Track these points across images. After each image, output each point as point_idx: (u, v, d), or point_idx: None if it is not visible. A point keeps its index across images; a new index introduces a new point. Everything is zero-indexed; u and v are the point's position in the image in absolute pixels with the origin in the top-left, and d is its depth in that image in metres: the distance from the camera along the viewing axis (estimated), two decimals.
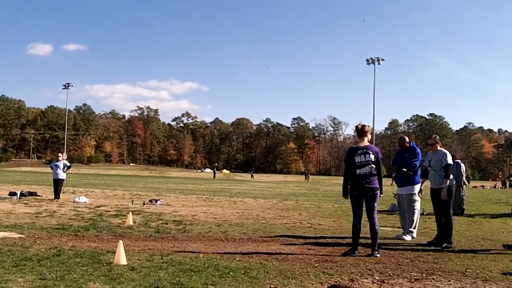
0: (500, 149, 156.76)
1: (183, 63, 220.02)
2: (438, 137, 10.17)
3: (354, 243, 8.03)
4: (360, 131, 8.36)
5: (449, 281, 6.13)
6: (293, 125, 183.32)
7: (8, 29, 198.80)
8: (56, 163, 19.28)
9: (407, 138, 10.68)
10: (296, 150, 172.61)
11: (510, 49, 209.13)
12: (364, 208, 8.13)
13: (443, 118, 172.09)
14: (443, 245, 9.03)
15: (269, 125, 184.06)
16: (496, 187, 60.20)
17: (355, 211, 8.11)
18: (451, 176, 9.58)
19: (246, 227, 11.54)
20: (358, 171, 8.02)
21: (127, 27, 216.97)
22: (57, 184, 18.83)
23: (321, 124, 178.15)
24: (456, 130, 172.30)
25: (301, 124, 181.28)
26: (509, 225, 12.84)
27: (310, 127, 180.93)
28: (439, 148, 9.75)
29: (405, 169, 10.15)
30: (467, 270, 6.79)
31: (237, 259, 7.20)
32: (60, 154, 20.49)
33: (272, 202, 20.61)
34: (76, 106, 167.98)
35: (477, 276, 6.41)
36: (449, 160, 9.46)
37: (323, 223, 12.83)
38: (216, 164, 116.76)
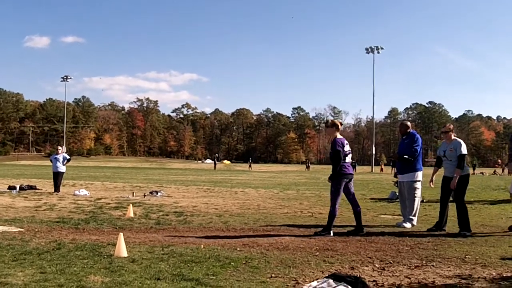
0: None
1: (182, 54, 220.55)
2: (452, 125, 10.10)
3: (327, 224, 8.88)
4: (338, 125, 9.25)
5: (449, 267, 6.14)
6: (293, 115, 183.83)
7: (4, 22, 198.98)
8: (56, 156, 19.27)
9: (408, 123, 10.69)
10: (296, 139, 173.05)
11: (509, 36, 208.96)
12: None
13: (442, 106, 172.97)
14: (461, 234, 8.87)
15: (269, 115, 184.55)
16: (496, 173, 60.18)
17: (338, 197, 8.95)
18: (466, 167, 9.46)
19: (247, 217, 11.56)
20: (347, 159, 8.99)
21: (125, 19, 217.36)
22: (57, 177, 18.83)
23: (321, 114, 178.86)
24: (455, 118, 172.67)
25: (301, 113, 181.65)
26: (508, 211, 12.86)
27: (310, 117, 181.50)
28: (453, 137, 9.60)
29: (406, 156, 10.14)
30: (466, 256, 6.81)
31: (238, 249, 7.20)
32: (59, 147, 20.48)
33: (273, 192, 20.63)
34: (75, 99, 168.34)
35: (476, 262, 6.43)
36: (464, 150, 9.31)
37: (323, 212, 12.82)
38: (216, 155, 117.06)
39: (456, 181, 9.17)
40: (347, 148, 9.02)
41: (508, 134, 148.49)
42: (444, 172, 9.65)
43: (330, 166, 9.25)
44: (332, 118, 9.73)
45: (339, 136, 9.08)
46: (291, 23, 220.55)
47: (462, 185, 9.27)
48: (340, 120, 9.60)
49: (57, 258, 6.36)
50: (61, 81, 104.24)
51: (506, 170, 63.28)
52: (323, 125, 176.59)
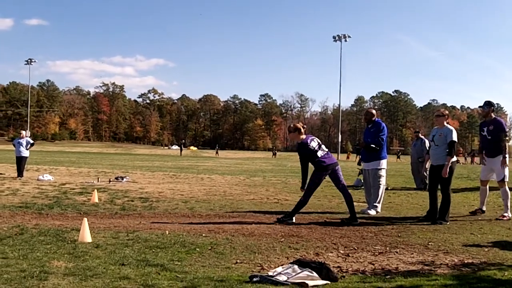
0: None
1: (149, 39, 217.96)
2: (447, 111, 9.91)
3: (293, 210, 8.96)
4: (301, 129, 8.96)
5: (412, 254, 6.24)
6: (260, 102, 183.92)
7: None
8: (19, 140, 18.90)
9: (373, 111, 10.76)
10: (263, 126, 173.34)
11: (472, 28, 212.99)
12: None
13: (408, 95, 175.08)
14: (437, 222, 8.74)
15: (237, 101, 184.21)
16: (459, 162, 61.44)
17: (314, 190, 9.08)
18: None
19: (213, 203, 11.54)
20: (320, 152, 8.76)
21: (90, 2, 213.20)
22: (20, 161, 18.47)
23: (288, 101, 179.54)
24: (420, 107, 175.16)
25: (268, 100, 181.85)
26: (470, 199, 13.10)
27: (278, 104, 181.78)
28: (445, 123, 9.34)
29: (373, 145, 10.23)
30: (429, 243, 6.92)
31: (203, 235, 7.19)
32: (23, 131, 20.12)
33: (239, 178, 20.63)
34: (40, 82, 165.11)
35: (439, 249, 6.53)
36: (454, 137, 9.06)
37: (289, 198, 12.89)
38: (183, 141, 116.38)
39: (448, 169, 8.91)
40: (314, 144, 8.78)
41: (471, 123, 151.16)
42: (431, 160, 9.45)
43: (296, 154, 9.23)
44: (293, 124, 9.69)
45: (302, 136, 8.85)
46: (260, 9, 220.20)
47: (448, 173, 9.01)
48: (301, 124, 9.30)
49: (19, 243, 6.26)
50: (25, 64, 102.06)
51: (468, 159, 64.68)
52: (291, 112, 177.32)
